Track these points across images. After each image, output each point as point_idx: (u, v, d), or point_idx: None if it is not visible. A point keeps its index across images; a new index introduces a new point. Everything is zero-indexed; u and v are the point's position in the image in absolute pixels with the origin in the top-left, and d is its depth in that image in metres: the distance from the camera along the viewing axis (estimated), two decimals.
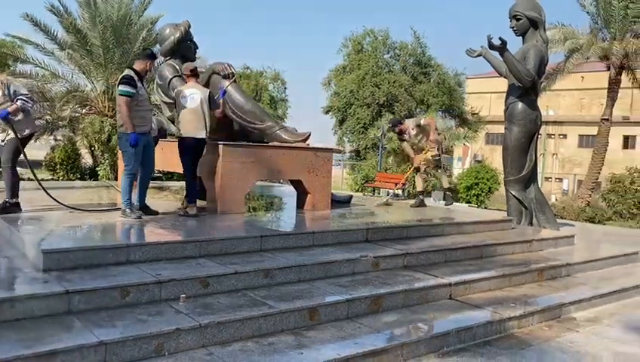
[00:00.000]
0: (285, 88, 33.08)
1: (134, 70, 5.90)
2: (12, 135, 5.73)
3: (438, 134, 9.20)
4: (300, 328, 4.09)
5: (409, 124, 8.94)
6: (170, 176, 14.70)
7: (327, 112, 29.97)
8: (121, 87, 5.69)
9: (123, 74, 5.84)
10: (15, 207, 5.91)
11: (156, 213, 6.16)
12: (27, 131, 5.91)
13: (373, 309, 4.56)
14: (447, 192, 9.50)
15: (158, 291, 4.05)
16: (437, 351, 4.16)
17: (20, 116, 5.74)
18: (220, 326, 3.74)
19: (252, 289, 4.49)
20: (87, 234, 5.30)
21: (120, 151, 6.50)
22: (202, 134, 6.37)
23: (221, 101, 6.83)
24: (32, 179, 16.23)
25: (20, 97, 5.72)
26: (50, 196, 6.23)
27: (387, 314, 4.56)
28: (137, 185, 6.18)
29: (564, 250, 7.25)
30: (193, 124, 6.31)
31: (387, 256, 5.52)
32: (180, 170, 6.64)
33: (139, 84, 5.80)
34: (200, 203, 7.21)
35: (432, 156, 8.86)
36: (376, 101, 26.26)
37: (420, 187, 9.17)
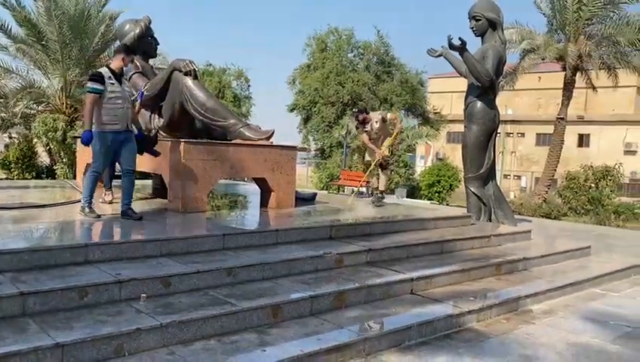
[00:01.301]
0: (249, 86, 32.83)
1: (109, 68, 5.74)
2: None
3: (401, 132, 9.20)
4: (263, 326, 4.09)
5: (373, 116, 8.83)
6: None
7: (291, 110, 29.96)
8: (88, 84, 5.64)
9: (94, 71, 5.83)
10: None
11: (140, 218, 5.76)
12: None
13: (337, 305, 4.60)
14: (380, 194, 9.29)
15: (117, 291, 3.97)
16: (399, 346, 4.23)
17: None
18: (181, 325, 3.70)
19: (215, 288, 4.45)
20: (44, 234, 5.15)
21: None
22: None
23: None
24: None
25: None
26: None
27: (350, 309, 4.61)
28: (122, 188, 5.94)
29: (522, 244, 7.47)
30: None
31: (350, 252, 5.57)
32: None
33: (111, 81, 5.59)
34: (162, 201, 7.13)
35: (383, 154, 8.79)
36: (341, 100, 26.42)
37: (382, 185, 9.13)
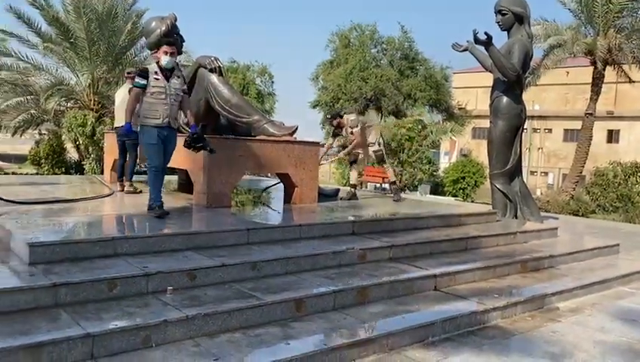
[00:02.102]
0: (272, 82, 33.04)
1: (157, 64, 5.79)
2: None
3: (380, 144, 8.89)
4: (287, 319, 4.13)
5: (346, 123, 8.57)
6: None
7: (314, 107, 30.01)
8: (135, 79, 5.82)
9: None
10: None
11: (166, 213, 5.71)
12: None
13: (360, 300, 4.61)
14: (394, 186, 9.20)
15: (145, 284, 4.06)
16: (422, 341, 4.22)
17: None
18: (207, 317, 3.76)
19: (239, 281, 4.51)
20: (74, 228, 5.28)
21: None
22: (121, 123, 7.35)
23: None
24: (15, 173, 16.04)
25: None
26: None
27: (373, 305, 4.61)
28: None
29: (548, 242, 7.36)
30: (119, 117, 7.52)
31: (373, 248, 5.57)
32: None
33: (156, 77, 5.62)
34: (187, 196, 7.24)
35: (373, 152, 8.70)
36: (364, 95, 26.35)
37: (353, 180, 9.04)
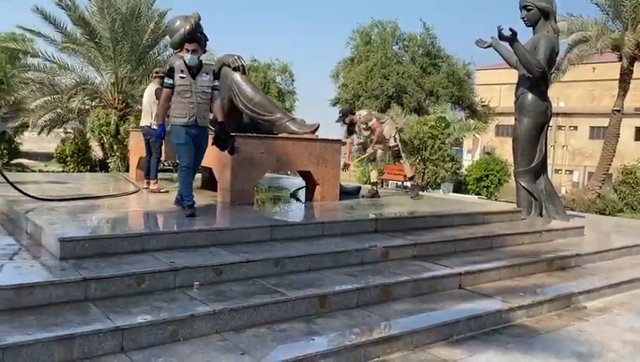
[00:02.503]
0: (293, 80, 33.11)
1: (185, 61, 5.68)
2: None
3: (396, 137, 8.84)
4: (310, 315, 4.15)
5: (358, 119, 8.55)
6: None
7: (334, 104, 29.99)
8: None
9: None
10: None
11: (194, 213, 5.59)
12: None
13: (383, 298, 4.61)
14: (374, 187, 9.13)
15: (172, 279, 4.12)
16: (446, 339, 4.21)
17: None
18: (233, 312, 3.81)
19: (263, 277, 4.55)
20: (102, 224, 5.38)
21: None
22: (144, 122, 7.75)
23: None
24: (42, 171, 16.40)
25: None
26: (18, 189, 6.12)
27: (397, 302, 4.61)
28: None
29: (574, 240, 7.26)
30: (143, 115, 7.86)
31: (396, 246, 5.56)
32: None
33: (181, 75, 5.54)
34: (211, 194, 7.31)
35: (391, 148, 8.68)
36: (385, 92, 26.25)
37: (374, 177, 8.98)
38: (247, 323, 3.85)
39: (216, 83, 5.83)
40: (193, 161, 5.70)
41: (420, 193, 9.79)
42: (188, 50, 5.60)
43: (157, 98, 7.31)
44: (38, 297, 3.60)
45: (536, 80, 8.90)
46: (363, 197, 8.53)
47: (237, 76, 7.59)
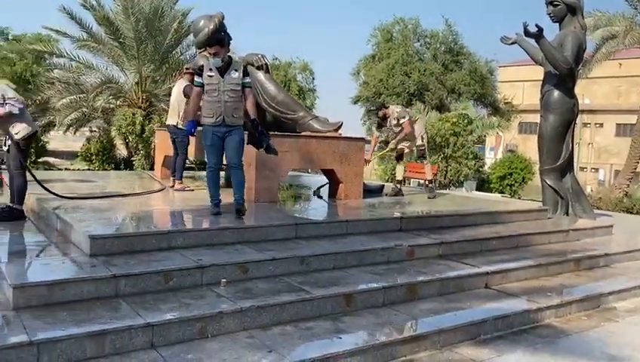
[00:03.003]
0: (313, 79, 33.06)
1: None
2: (11, 141, 5.58)
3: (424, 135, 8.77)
4: (336, 314, 4.15)
5: (392, 113, 8.43)
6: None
7: (355, 102, 29.91)
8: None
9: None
10: (20, 214, 5.73)
11: (218, 212, 5.55)
12: (25, 133, 5.67)
13: (409, 297, 4.59)
14: (398, 185, 9.06)
15: (199, 276, 4.16)
16: (474, 339, 4.17)
17: (14, 120, 5.58)
18: (260, 310, 3.83)
19: (289, 275, 4.56)
20: (130, 221, 5.46)
21: None
22: (171, 121, 7.73)
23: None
24: (68, 169, 16.62)
25: (7, 102, 5.51)
26: (45, 188, 6.16)
27: (423, 302, 4.59)
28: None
29: (602, 240, 7.13)
30: (170, 113, 7.83)
31: (422, 245, 5.53)
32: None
33: (209, 73, 5.48)
34: None
35: (417, 147, 8.59)
36: (407, 90, 26.10)
37: (399, 176, 8.93)
38: (273, 320, 3.88)
39: (247, 80, 5.66)
40: (220, 161, 5.65)
41: (444, 191, 9.70)
42: (210, 54, 5.58)
43: (185, 96, 7.31)
44: (69, 293, 3.67)
45: (562, 77, 8.75)
46: (387, 195, 8.50)
47: (260, 75, 7.63)
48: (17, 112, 5.56)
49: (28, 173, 5.84)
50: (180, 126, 7.49)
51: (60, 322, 3.33)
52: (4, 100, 5.54)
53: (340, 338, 3.76)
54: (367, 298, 4.38)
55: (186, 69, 8.05)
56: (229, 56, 5.60)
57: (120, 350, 3.30)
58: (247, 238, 5.02)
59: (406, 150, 8.63)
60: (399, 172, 8.88)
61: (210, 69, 5.52)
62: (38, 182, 6.09)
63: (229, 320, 3.70)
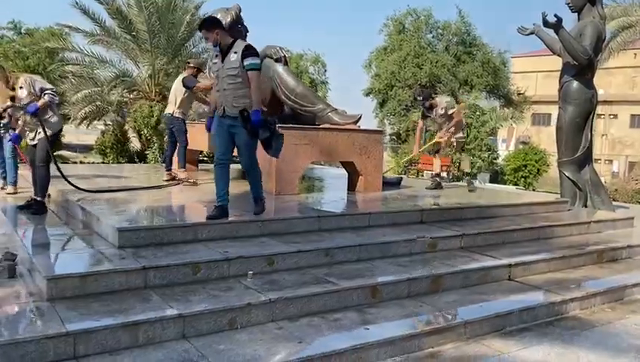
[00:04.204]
0: (325, 71, 33.02)
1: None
2: (42, 134, 5.62)
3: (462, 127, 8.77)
4: (362, 305, 4.17)
5: (440, 103, 8.44)
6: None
7: (367, 94, 29.81)
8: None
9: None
10: (42, 206, 5.77)
11: (215, 216, 4.96)
12: (58, 126, 5.80)
13: (434, 289, 4.60)
14: (468, 177, 9.12)
15: (226, 268, 4.20)
16: (499, 331, 4.17)
17: (49, 113, 5.65)
18: (287, 301, 3.86)
19: (314, 267, 4.59)
20: (155, 214, 5.50)
21: None
22: (168, 110, 7.69)
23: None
24: (82, 162, 16.68)
25: (46, 92, 5.57)
26: (69, 182, 6.19)
27: (447, 294, 4.59)
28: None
29: (624, 232, 7.08)
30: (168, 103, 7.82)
31: (444, 236, 5.53)
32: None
33: (214, 60, 5.12)
34: None
35: (457, 139, 8.58)
36: (419, 82, 25.92)
37: (437, 169, 8.94)
38: (301, 312, 3.90)
39: (250, 61, 4.80)
40: (226, 154, 5.03)
41: (460, 184, 9.69)
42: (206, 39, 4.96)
43: (184, 86, 7.46)
44: (101, 284, 3.72)
45: (581, 67, 8.67)
46: (427, 188, 8.53)
47: (279, 67, 7.63)
48: (57, 102, 5.71)
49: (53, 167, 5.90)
50: (176, 115, 7.55)
51: (94, 313, 3.38)
52: (44, 91, 5.61)
53: (368, 329, 3.78)
54: (392, 289, 4.39)
55: (187, 62, 8.20)
56: (233, 38, 4.99)
57: (153, 340, 3.34)
58: (271, 231, 5.05)
59: (454, 141, 8.53)
60: (437, 165, 8.87)
61: (216, 55, 5.02)
62: (66, 179, 6.14)
63: (258, 312, 3.73)
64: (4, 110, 5.70)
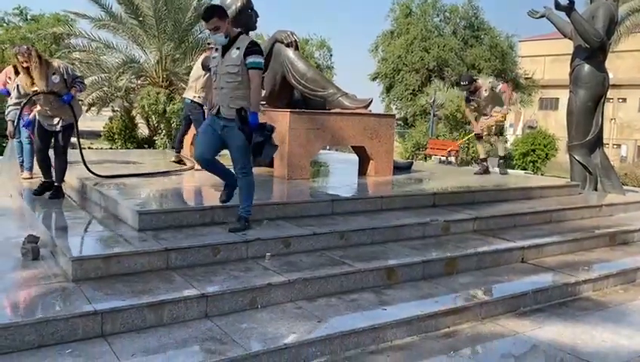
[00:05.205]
0: (331, 55, 32.87)
1: None
2: (67, 121, 5.65)
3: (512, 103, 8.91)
4: (379, 287, 4.24)
5: (483, 85, 8.57)
6: None
7: (374, 79, 29.71)
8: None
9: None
10: (60, 191, 5.83)
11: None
12: (80, 115, 5.85)
13: (448, 271, 4.66)
14: (502, 160, 9.20)
15: (245, 250, 4.27)
16: (514, 311, 4.25)
17: (76, 101, 5.67)
18: (306, 282, 3.93)
19: (329, 249, 4.66)
20: (172, 198, 5.57)
21: None
22: (187, 95, 7.63)
23: None
24: (90, 148, 16.72)
25: (77, 81, 5.61)
26: (89, 170, 6.25)
27: (462, 275, 4.65)
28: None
29: (635, 215, 7.11)
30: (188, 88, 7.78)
31: (457, 220, 5.58)
32: None
33: (214, 55, 4.62)
34: (266, 169, 7.42)
35: (496, 122, 8.66)
36: (426, 66, 25.83)
37: (482, 154, 9.04)
38: (319, 292, 3.98)
39: (252, 59, 4.31)
40: (206, 153, 4.55)
41: (469, 168, 9.73)
42: (210, 30, 4.39)
43: (204, 68, 7.30)
44: (124, 266, 3.80)
45: (593, 51, 8.62)
46: (475, 174, 8.61)
47: (290, 52, 7.63)
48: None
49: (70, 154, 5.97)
50: (196, 100, 7.51)
51: (120, 293, 3.46)
52: (75, 79, 5.63)
53: (385, 309, 3.86)
54: (407, 271, 4.46)
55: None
56: (240, 32, 4.48)
57: (177, 319, 3.42)
58: (286, 214, 5.12)
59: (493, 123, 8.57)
60: (482, 150, 8.92)
61: (216, 49, 4.52)
62: (87, 167, 6.21)
63: (278, 292, 3.81)
64: (36, 94, 5.50)
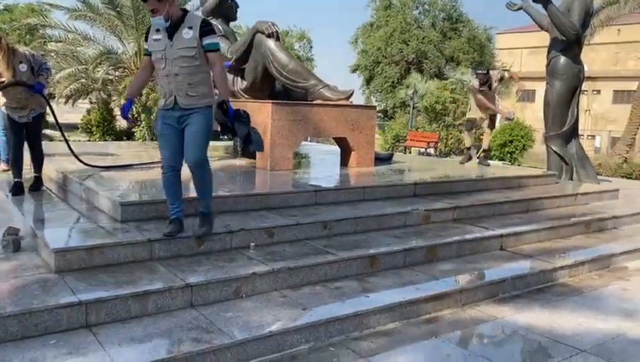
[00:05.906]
0: (311, 47, 32.77)
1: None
2: (37, 111, 5.48)
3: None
4: (362, 274, 4.31)
5: (493, 76, 8.78)
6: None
7: (354, 71, 29.77)
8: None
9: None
10: (39, 183, 5.75)
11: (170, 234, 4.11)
12: (45, 103, 5.62)
13: (429, 259, 4.75)
14: (485, 153, 9.32)
15: (229, 240, 4.29)
16: (493, 298, 4.35)
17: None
18: (290, 271, 3.97)
19: (312, 239, 4.69)
20: (155, 189, 5.50)
21: None
22: None
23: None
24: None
25: (43, 68, 5.36)
26: (78, 158, 6.23)
27: (442, 263, 4.75)
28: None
29: (610, 203, 7.30)
30: None
31: (437, 209, 5.66)
32: None
33: (155, 36, 3.94)
34: (249, 161, 7.42)
35: (489, 113, 8.79)
36: (405, 58, 25.99)
37: (468, 143, 9.13)
38: (303, 281, 4.02)
39: (210, 40, 3.89)
40: (176, 159, 4.07)
41: (449, 159, 9.87)
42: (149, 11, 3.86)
43: None
44: (107, 257, 3.79)
45: (569, 43, 8.78)
46: (478, 163, 8.83)
47: (271, 43, 7.60)
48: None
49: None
50: None
51: (104, 284, 3.46)
52: (42, 67, 5.38)
53: (368, 296, 3.92)
54: (389, 259, 4.53)
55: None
56: (183, 10, 3.94)
57: (162, 309, 3.44)
58: (269, 205, 5.14)
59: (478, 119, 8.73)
60: (468, 139, 9.11)
61: (157, 30, 3.91)
62: (76, 156, 6.17)
63: (262, 281, 3.84)
64: (5, 87, 5.18)
